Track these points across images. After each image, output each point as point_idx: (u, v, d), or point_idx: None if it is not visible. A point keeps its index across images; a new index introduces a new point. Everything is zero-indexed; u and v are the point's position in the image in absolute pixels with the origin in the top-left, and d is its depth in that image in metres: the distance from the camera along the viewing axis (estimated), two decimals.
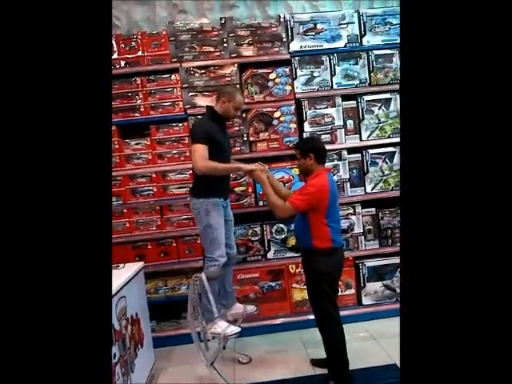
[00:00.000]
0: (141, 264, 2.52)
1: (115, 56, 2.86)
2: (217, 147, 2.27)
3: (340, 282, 2.50)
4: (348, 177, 3.01)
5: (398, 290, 3.00)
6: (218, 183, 2.32)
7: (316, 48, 2.99)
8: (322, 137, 2.92)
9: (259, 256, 2.99)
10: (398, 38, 2.77)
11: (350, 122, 3.03)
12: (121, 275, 2.16)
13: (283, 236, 2.99)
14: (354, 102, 3.02)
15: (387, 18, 3.03)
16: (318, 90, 2.98)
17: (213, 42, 2.91)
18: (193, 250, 2.91)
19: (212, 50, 2.91)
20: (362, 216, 3.03)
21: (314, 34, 3.00)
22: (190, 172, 2.78)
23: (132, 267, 2.37)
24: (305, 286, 2.71)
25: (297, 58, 2.96)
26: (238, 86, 2.88)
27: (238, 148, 2.94)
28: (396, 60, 3.01)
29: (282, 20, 2.95)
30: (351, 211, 3.01)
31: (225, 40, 2.90)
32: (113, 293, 1.88)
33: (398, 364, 2.27)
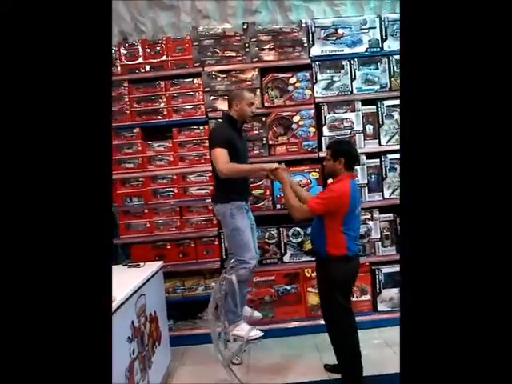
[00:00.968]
0: (160, 263, 2.57)
1: (140, 60, 2.95)
2: (235, 151, 2.30)
3: (355, 288, 2.48)
4: (366, 182, 3.00)
5: None
6: (239, 186, 2.35)
7: (337, 53, 3.00)
8: None
9: (275, 259, 3.01)
10: (399, 44, 2.74)
11: (369, 127, 3.02)
12: (141, 274, 2.22)
13: (300, 240, 3.00)
14: (374, 106, 3.01)
15: None
16: (337, 94, 2.99)
17: (235, 46, 2.95)
18: (210, 251, 2.96)
19: (234, 54, 2.96)
20: (380, 222, 3.01)
21: (335, 38, 3.00)
22: (210, 174, 2.82)
23: (152, 266, 2.43)
24: None
25: (317, 63, 2.97)
26: (258, 90, 2.91)
27: (257, 151, 2.97)
28: None
29: (303, 25, 2.98)
30: (369, 216, 3.00)
31: (247, 45, 2.94)
32: (133, 290, 1.94)
33: None
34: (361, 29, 3.01)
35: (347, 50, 3.00)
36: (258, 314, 2.62)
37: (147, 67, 2.96)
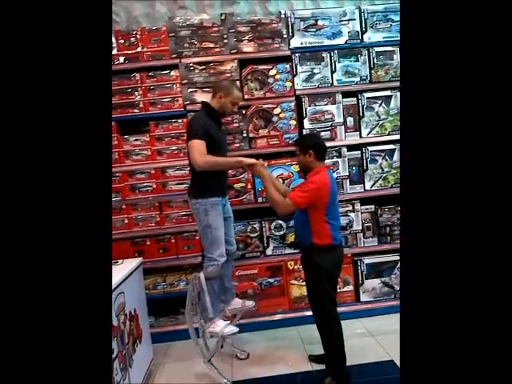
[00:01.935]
0: (139, 260, 2.52)
1: (114, 52, 2.85)
2: (213, 143, 2.26)
3: (339, 279, 2.50)
4: (347, 174, 3.01)
5: (396, 287, 3.01)
6: (215, 182, 2.31)
7: (317, 44, 2.98)
8: (322, 134, 2.91)
9: (258, 252, 3.00)
10: (399, 35, 2.76)
11: (350, 119, 3.02)
12: (119, 271, 2.17)
13: (282, 232, 3.00)
14: (355, 98, 3.01)
15: (388, 14, 3.01)
16: (318, 86, 2.98)
17: (213, 37, 2.89)
18: (191, 246, 2.92)
19: (212, 45, 2.90)
20: (361, 213, 3.03)
21: (314, 30, 2.98)
22: (189, 169, 2.78)
23: (131, 263, 2.38)
24: (303, 283, 2.72)
25: (297, 55, 2.95)
26: (237, 82, 2.87)
27: (238, 145, 2.93)
28: (397, 57, 3.00)
29: (282, 16, 2.94)
30: (350, 208, 3.01)
31: (225, 36, 2.89)
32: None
33: (395, 360, 2.30)
34: (340, 20, 2.99)
35: (327, 42, 2.98)
36: (250, 303, 2.61)
37: (121, 59, 2.87)
